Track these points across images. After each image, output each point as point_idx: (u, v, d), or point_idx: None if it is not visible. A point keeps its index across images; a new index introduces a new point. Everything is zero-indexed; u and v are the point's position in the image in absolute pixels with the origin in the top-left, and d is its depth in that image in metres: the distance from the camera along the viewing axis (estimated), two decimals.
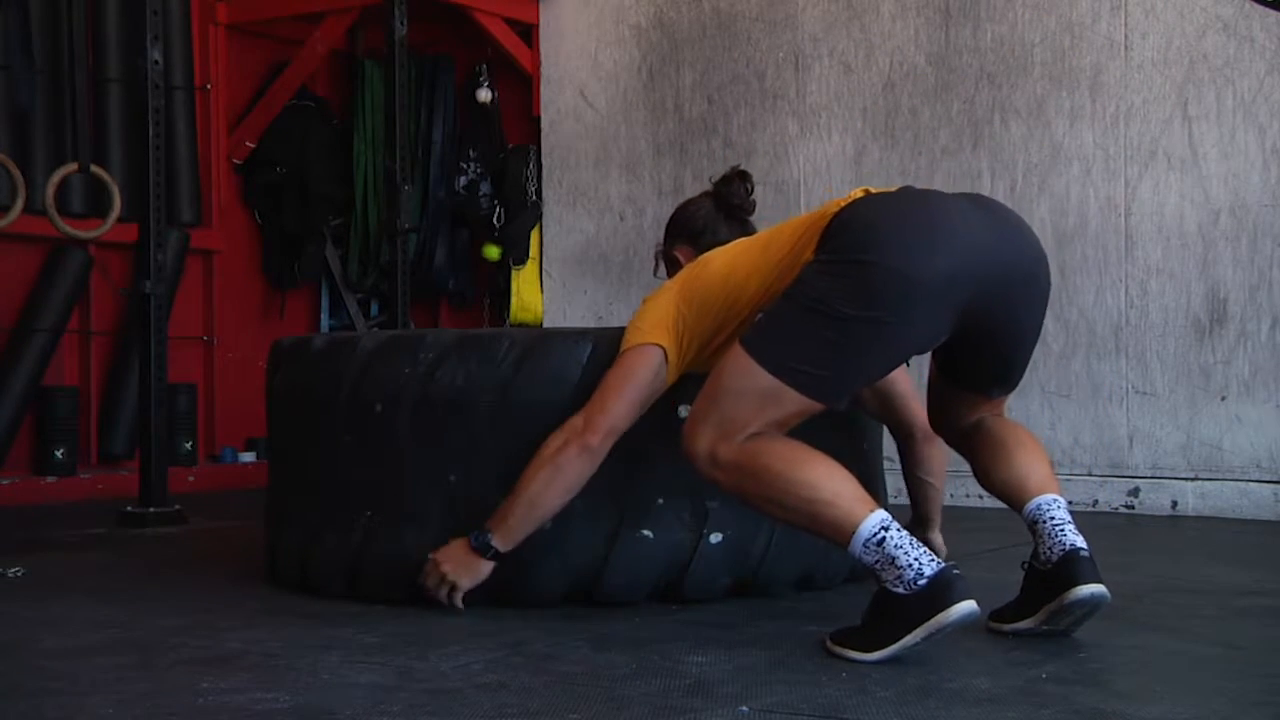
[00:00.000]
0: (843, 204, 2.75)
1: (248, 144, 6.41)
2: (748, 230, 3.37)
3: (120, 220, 5.32)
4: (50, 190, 5.30)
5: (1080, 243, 5.17)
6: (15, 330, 5.54)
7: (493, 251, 6.30)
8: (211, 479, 5.86)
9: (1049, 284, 2.85)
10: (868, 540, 2.49)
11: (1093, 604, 2.63)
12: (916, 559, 2.46)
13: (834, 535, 2.57)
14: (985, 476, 2.89)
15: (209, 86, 6.27)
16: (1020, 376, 2.96)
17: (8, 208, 5.19)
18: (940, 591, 2.45)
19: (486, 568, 2.96)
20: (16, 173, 5.23)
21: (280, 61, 6.43)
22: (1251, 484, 4.85)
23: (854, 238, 2.65)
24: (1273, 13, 4.83)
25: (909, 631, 2.45)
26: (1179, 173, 5.01)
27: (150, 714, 2.14)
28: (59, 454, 5.56)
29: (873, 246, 2.61)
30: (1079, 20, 5.19)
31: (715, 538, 3.07)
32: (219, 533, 4.48)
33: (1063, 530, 2.69)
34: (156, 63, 4.72)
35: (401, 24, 5.54)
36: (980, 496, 2.88)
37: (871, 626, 2.52)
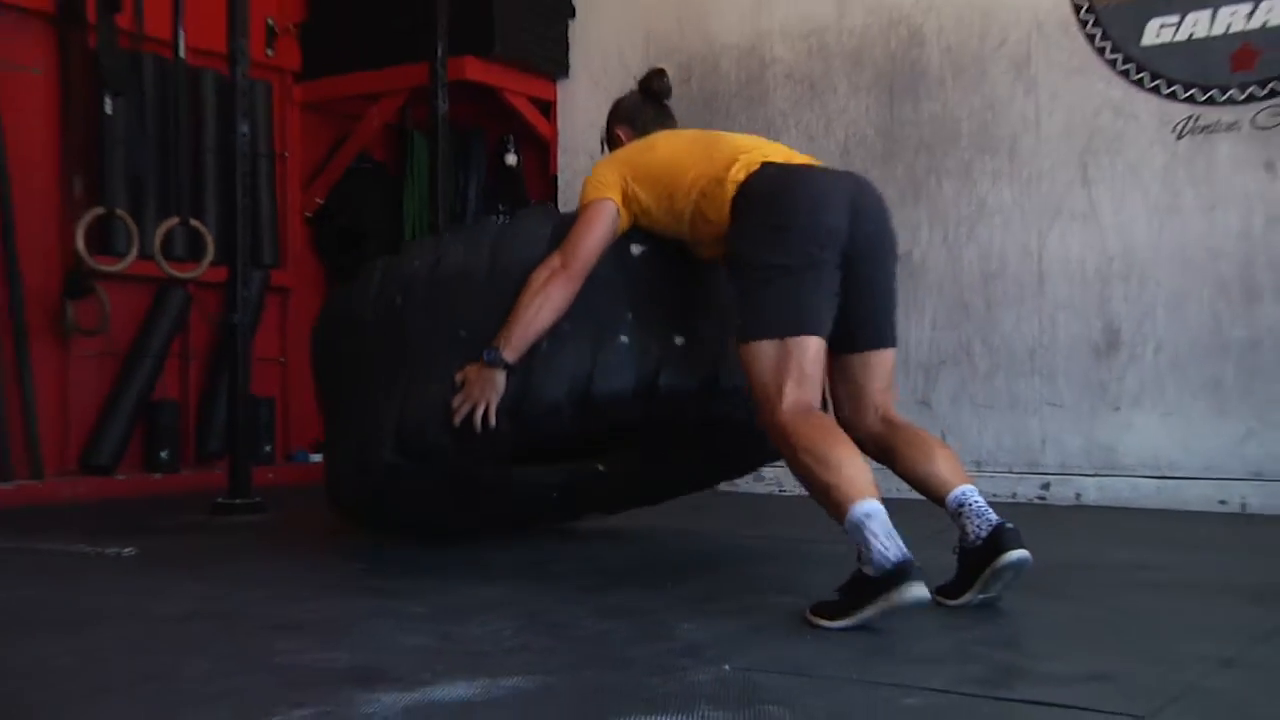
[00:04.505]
0: (745, 174, 2.88)
1: (317, 200, 6.42)
2: (665, 111, 3.48)
3: (213, 263, 5.37)
4: (157, 239, 5.34)
5: (1001, 281, 5.17)
6: (129, 354, 5.55)
7: None
8: (287, 476, 5.84)
9: (896, 252, 3.01)
10: (852, 524, 2.50)
11: (1019, 566, 2.63)
12: (885, 548, 2.45)
13: (834, 512, 2.57)
14: (909, 472, 2.86)
15: (286, 154, 6.30)
16: (891, 334, 2.99)
17: (124, 254, 5.23)
18: (898, 577, 2.44)
19: (501, 378, 3.03)
20: (132, 225, 5.26)
21: (344, 133, 6.45)
22: (1139, 479, 4.86)
23: (766, 208, 2.82)
24: (1154, 98, 4.87)
25: (866, 606, 2.47)
26: (1080, 225, 5.03)
27: (236, 670, 2.15)
28: (164, 455, 5.58)
29: (781, 212, 2.80)
30: (999, 100, 5.21)
31: (679, 339, 3.15)
32: (293, 520, 4.49)
33: (986, 511, 2.70)
34: (244, 135, 4.75)
35: (443, 103, 5.61)
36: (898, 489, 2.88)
37: (841, 600, 2.53)
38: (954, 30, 5.31)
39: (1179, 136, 4.86)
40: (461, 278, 3.23)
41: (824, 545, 3.74)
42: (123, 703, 1.95)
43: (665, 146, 3.12)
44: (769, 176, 2.88)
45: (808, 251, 2.75)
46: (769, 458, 3.80)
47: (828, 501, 2.59)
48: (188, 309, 5.71)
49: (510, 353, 3.02)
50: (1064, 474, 5.01)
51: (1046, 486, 5.03)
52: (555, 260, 3.04)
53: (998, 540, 2.65)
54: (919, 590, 2.45)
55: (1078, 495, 4.96)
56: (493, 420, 3.03)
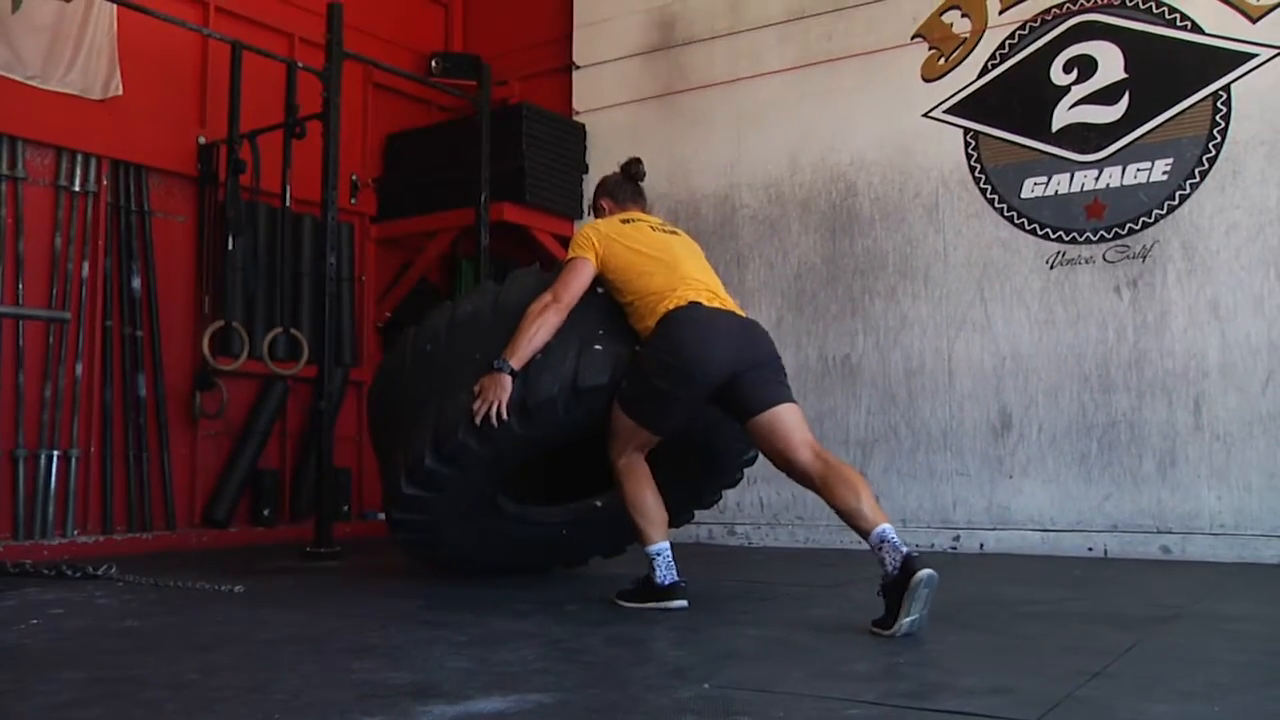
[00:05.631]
0: (673, 305, 3.13)
1: (387, 313, 6.44)
2: (639, 190, 3.60)
3: (307, 363, 5.42)
4: (264, 344, 5.40)
5: (921, 377, 5.18)
6: (241, 433, 5.58)
7: None
8: (361, 530, 5.83)
9: (773, 361, 3.18)
10: (650, 553, 3.15)
11: (930, 581, 2.64)
12: (666, 574, 3.13)
13: (640, 538, 3.18)
14: (841, 506, 2.88)
15: (363, 277, 6.35)
16: (780, 395, 3.10)
17: (239, 356, 5.28)
18: (671, 593, 3.12)
19: (508, 381, 3.19)
20: (245, 334, 5.32)
21: (408, 261, 6.49)
22: (1028, 532, 4.85)
23: (668, 342, 3.10)
24: (1032, 238, 4.95)
25: (649, 602, 3.12)
26: (979, 334, 5.06)
27: (320, 684, 2.15)
28: (266, 512, 5.58)
29: (675, 352, 3.08)
30: (915, 238, 5.26)
31: (637, 348, 3.25)
32: (365, 566, 4.47)
33: (899, 545, 2.73)
34: (332, 264, 4.81)
35: (485, 238, 5.67)
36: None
37: (636, 591, 3.18)
38: (880, 185, 5.38)
39: (1051, 267, 4.91)
40: (472, 318, 3.44)
41: (785, 588, 3.74)
42: (234, 709, 1.95)
43: (635, 246, 3.28)
44: (678, 320, 3.11)
45: (678, 383, 3.08)
46: (737, 472, 3.84)
47: (636, 529, 3.18)
48: (286, 398, 5.75)
49: (515, 362, 3.20)
50: (970, 528, 4.99)
51: (957, 539, 5.01)
52: (548, 296, 3.26)
53: (909, 565, 2.67)
54: (681, 602, 3.10)
55: (981, 545, 4.94)
56: (505, 414, 3.19)
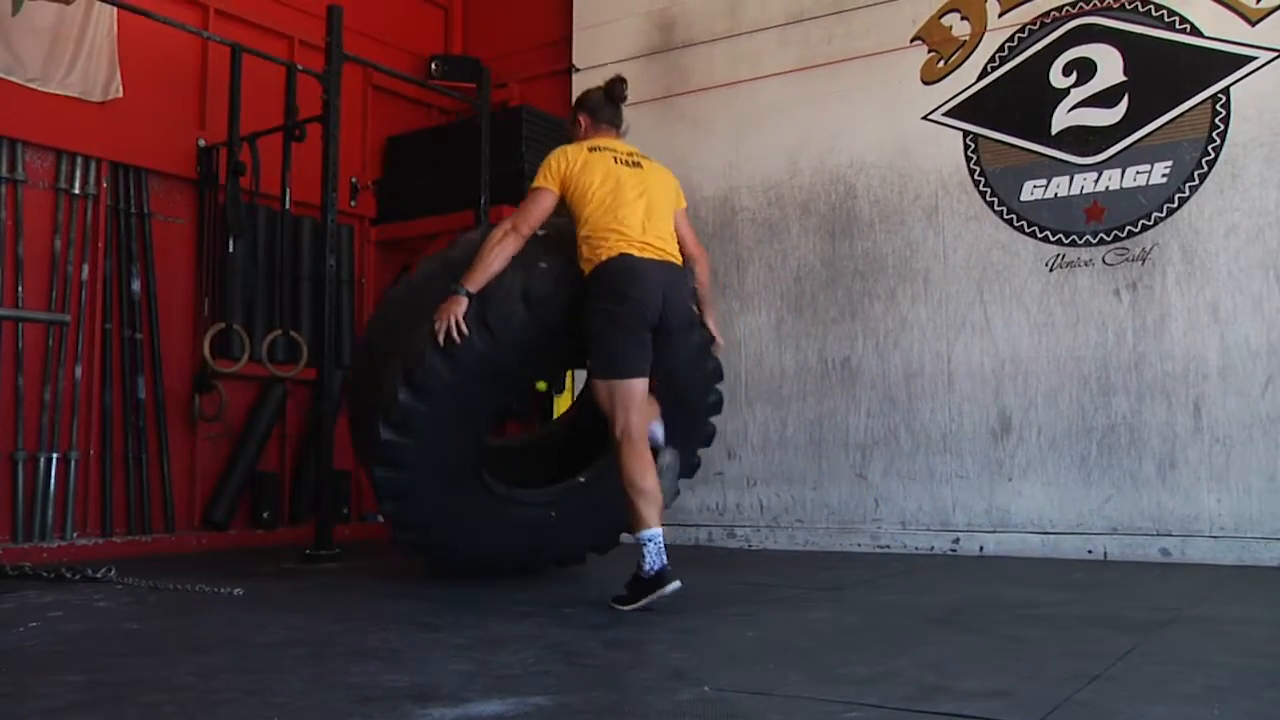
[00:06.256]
0: (607, 256, 3.27)
1: None
2: (618, 111, 3.62)
3: (306, 365, 5.43)
4: (264, 347, 5.41)
5: (920, 380, 5.17)
6: (240, 436, 5.57)
7: (542, 385, 6.33)
8: (360, 532, 5.84)
9: (683, 323, 3.40)
10: (642, 538, 3.15)
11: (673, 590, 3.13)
12: (655, 560, 3.13)
13: (633, 521, 3.18)
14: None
15: (363, 280, 6.35)
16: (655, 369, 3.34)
17: (239, 358, 5.29)
18: (662, 577, 3.11)
19: (464, 302, 3.32)
20: (245, 336, 5.33)
21: (408, 264, 6.37)
22: (1028, 534, 4.84)
23: (609, 289, 3.24)
24: (1031, 240, 4.95)
25: (645, 597, 3.10)
26: (979, 336, 5.05)
27: (320, 687, 2.15)
28: (265, 515, 5.57)
29: (617, 297, 3.22)
30: (915, 240, 5.26)
31: (570, 266, 3.42)
32: (365, 567, 4.47)
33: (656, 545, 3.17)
34: (332, 266, 4.80)
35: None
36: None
37: (629, 593, 3.15)
38: (880, 187, 5.38)
39: (1050, 270, 4.91)
40: (426, 276, 3.64)
41: (784, 590, 3.74)
42: (233, 712, 1.95)
43: (593, 179, 3.38)
44: (612, 270, 3.26)
45: (630, 324, 3.22)
46: (706, 417, 4.06)
47: (632, 511, 3.18)
48: (285, 400, 5.74)
49: (471, 286, 3.34)
50: (970, 531, 4.98)
51: (957, 541, 5.00)
52: (508, 224, 3.39)
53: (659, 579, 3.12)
54: (675, 584, 3.12)
55: (981, 548, 4.93)
56: (464, 328, 3.30)
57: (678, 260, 3.40)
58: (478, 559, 3.81)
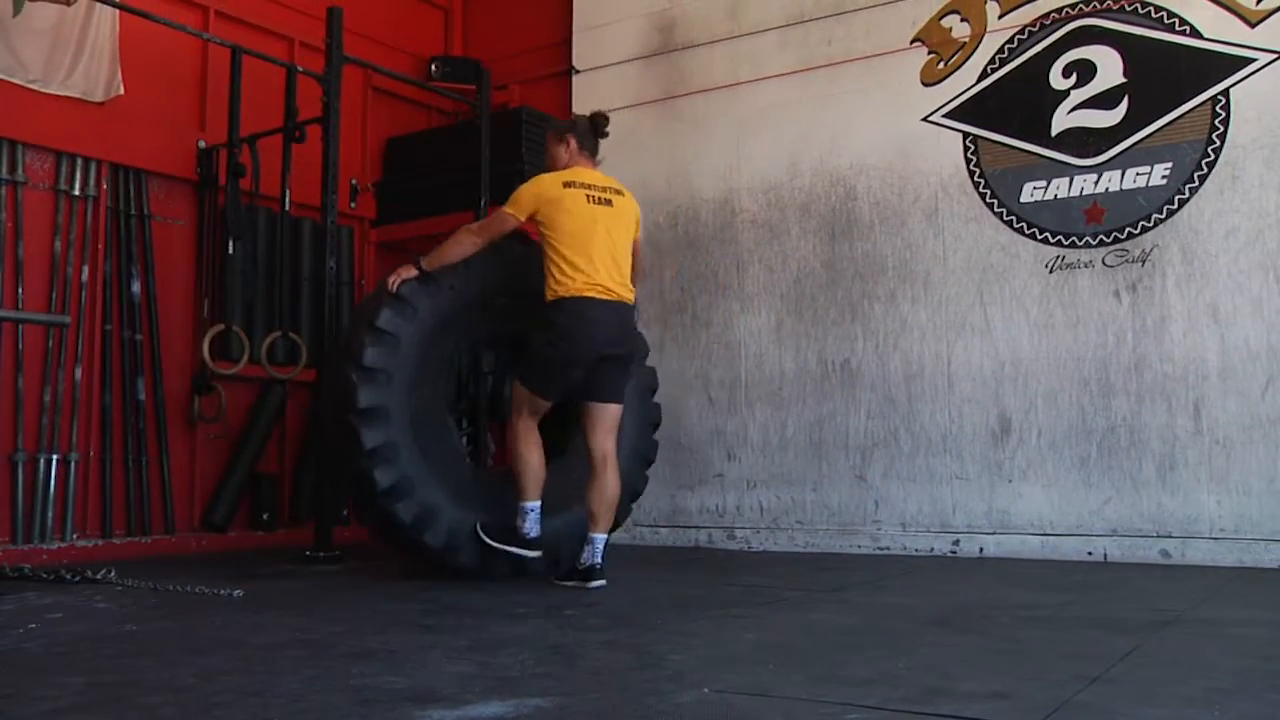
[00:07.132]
0: (568, 294, 3.72)
1: None
2: (596, 145, 4.02)
3: (306, 367, 5.42)
4: (263, 348, 5.40)
5: (920, 381, 5.17)
6: (240, 437, 5.57)
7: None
8: (360, 534, 5.76)
9: (632, 354, 3.98)
10: (525, 507, 3.78)
11: (596, 588, 3.71)
12: (531, 528, 3.80)
13: (518, 492, 3.80)
14: (588, 499, 3.82)
15: (363, 281, 6.33)
16: (615, 396, 3.89)
17: (238, 360, 5.29)
18: (532, 543, 3.81)
19: (413, 270, 3.91)
20: (244, 338, 5.33)
21: None
22: (1027, 536, 4.84)
23: (556, 327, 3.73)
24: (1031, 242, 4.95)
25: (511, 545, 3.83)
26: (979, 338, 5.05)
27: (320, 689, 2.14)
28: (265, 516, 5.57)
29: (567, 338, 3.72)
30: (915, 242, 5.26)
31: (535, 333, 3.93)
32: (365, 569, 4.47)
33: (597, 553, 3.77)
34: (332, 268, 4.81)
35: None
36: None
37: (503, 535, 3.83)
38: (880, 189, 5.38)
39: (1050, 271, 4.91)
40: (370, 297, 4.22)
41: (784, 592, 3.74)
42: (233, 714, 1.95)
43: (564, 218, 3.77)
44: (568, 310, 3.71)
45: (562, 363, 3.73)
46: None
47: (518, 483, 3.80)
48: (285, 402, 5.74)
49: (427, 264, 3.90)
50: (970, 533, 4.98)
51: (957, 543, 5.00)
52: (475, 226, 3.98)
53: (589, 573, 3.74)
54: (536, 553, 3.81)
55: (981, 550, 4.93)
56: (407, 276, 3.88)
57: (629, 299, 3.87)
58: (459, 544, 3.89)
